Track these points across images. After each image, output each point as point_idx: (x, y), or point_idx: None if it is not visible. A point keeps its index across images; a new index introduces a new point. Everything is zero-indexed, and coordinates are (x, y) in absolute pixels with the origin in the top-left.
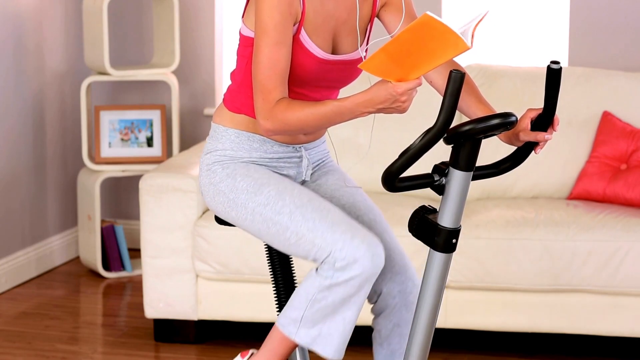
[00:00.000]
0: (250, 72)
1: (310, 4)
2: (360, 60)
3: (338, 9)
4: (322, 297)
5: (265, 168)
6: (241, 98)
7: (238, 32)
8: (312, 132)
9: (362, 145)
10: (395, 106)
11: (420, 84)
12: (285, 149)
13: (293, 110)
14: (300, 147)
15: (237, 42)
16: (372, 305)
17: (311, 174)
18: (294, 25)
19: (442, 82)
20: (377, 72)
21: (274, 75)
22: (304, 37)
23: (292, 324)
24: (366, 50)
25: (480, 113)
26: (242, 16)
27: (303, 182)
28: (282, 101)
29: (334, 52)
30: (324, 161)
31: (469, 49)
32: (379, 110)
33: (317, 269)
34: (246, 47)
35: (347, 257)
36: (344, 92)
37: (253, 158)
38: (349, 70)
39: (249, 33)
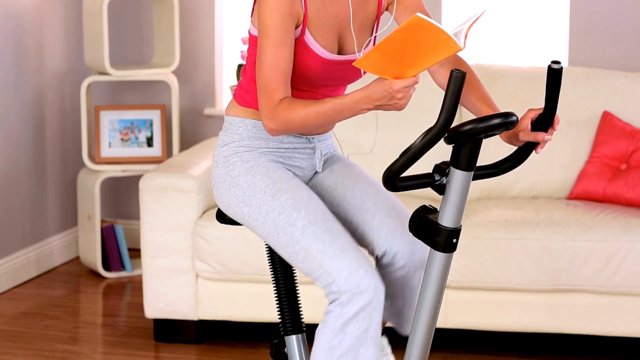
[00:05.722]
0: None
1: (312, 6)
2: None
3: (341, 10)
4: (339, 342)
5: (284, 169)
6: (251, 94)
7: (247, 31)
8: (314, 131)
9: (362, 146)
10: (392, 103)
11: (416, 82)
12: (299, 139)
13: (295, 110)
14: (313, 138)
15: (248, 40)
16: (376, 262)
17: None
18: (297, 27)
19: (446, 80)
20: (373, 70)
21: (276, 76)
22: (308, 38)
23: None
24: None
25: (485, 111)
26: (251, 15)
27: (315, 174)
28: (284, 101)
29: (340, 52)
30: (332, 155)
31: (461, 49)
32: (377, 107)
33: (325, 314)
34: (254, 45)
35: (352, 288)
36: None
37: (270, 148)
38: (354, 69)
39: (255, 32)
